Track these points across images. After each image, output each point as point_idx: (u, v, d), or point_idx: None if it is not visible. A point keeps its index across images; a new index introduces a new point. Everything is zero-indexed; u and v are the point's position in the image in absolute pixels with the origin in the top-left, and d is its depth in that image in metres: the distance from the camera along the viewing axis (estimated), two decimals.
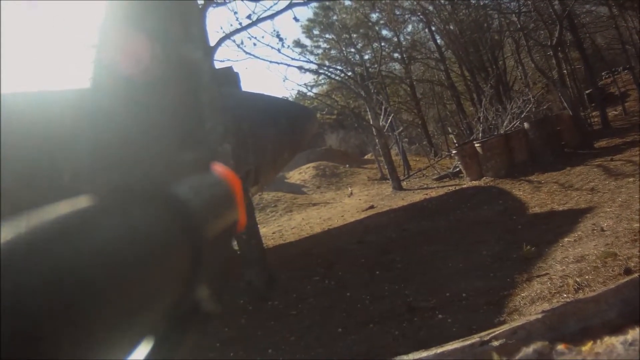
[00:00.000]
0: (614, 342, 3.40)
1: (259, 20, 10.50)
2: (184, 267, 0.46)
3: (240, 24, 11.22)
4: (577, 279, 5.34)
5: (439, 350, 4.16)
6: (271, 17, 10.65)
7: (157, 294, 0.42)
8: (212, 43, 9.34)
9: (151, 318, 0.42)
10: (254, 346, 5.97)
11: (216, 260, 0.52)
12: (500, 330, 4.24)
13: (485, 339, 4.20)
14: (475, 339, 4.22)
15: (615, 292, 4.12)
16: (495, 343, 4.13)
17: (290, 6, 10.35)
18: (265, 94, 14.04)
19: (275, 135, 10.32)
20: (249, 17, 10.27)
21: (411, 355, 4.16)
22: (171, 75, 0.51)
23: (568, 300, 4.88)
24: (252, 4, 12.27)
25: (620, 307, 4.06)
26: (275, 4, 16.51)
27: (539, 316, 4.23)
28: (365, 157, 24.70)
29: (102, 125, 0.46)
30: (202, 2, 8.88)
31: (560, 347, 3.57)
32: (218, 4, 9.95)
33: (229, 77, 9.62)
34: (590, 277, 5.32)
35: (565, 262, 6.04)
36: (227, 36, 10.34)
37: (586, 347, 3.52)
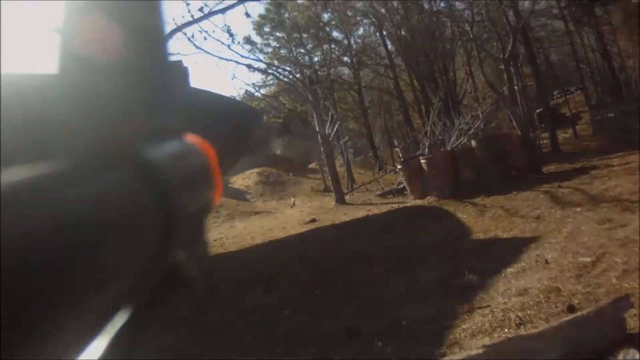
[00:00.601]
0: None
1: (211, 13, 10.16)
2: (158, 233, 0.45)
3: (192, 16, 10.89)
4: (519, 314, 5.22)
5: None
6: (223, 10, 10.34)
7: (129, 258, 0.41)
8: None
9: (125, 282, 0.41)
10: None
11: (191, 227, 0.52)
12: None
13: None
14: None
15: (558, 330, 4.17)
16: None
17: (242, 0, 10.03)
18: (212, 91, 13.68)
19: (221, 135, 9.89)
20: (200, 9, 9.89)
21: None
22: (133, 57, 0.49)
23: (509, 335, 4.78)
24: None
25: (563, 345, 4.00)
26: None
27: (480, 351, 4.06)
28: (310, 166, 24.48)
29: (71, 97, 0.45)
30: None
31: None
32: None
33: (179, 71, 9.27)
34: (533, 313, 5.19)
35: (507, 295, 5.91)
36: (179, 28, 9.97)
37: None
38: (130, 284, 0.43)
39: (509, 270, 6.75)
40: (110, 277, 0.39)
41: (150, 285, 0.48)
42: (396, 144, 19.20)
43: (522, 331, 4.80)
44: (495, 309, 5.54)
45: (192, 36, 12.61)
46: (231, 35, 16.43)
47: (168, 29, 9.27)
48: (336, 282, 8.02)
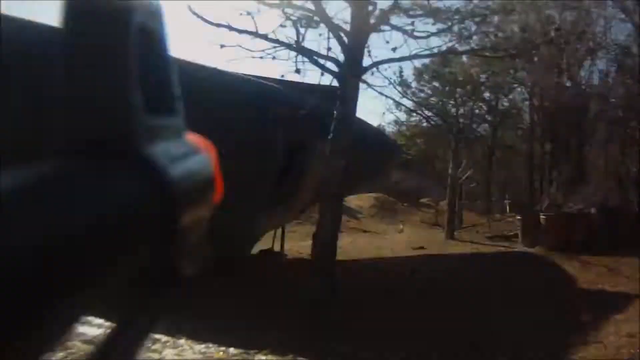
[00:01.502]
0: None
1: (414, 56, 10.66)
2: (157, 234, 0.44)
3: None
4: (631, 350, 5.74)
5: None
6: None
7: (127, 258, 0.40)
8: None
9: (121, 279, 0.40)
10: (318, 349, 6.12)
11: (192, 229, 0.49)
12: None
13: None
14: None
15: None
16: None
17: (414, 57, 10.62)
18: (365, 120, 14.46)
19: (364, 161, 10.70)
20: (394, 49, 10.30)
21: None
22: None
23: None
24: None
25: None
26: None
27: None
28: (422, 200, 24.96)
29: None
30: None
31: None
32: None
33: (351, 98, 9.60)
34: None
35: (617, 335, 6.30)
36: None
37: None
38: (128, 285, 0.42)
39: (616, 316, 7.08)
40: (109, 281, 0.38)
41: (149, 287, 0.47)
42: (507, 197, 19.48)
43: None
44: (608, 345, 5.97)
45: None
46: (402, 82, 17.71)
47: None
48: (450, 306, 8.14)
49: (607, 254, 11.50)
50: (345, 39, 9.12)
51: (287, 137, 9.48)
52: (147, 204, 0.42)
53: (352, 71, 9.06)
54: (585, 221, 13.25)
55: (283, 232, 12.45)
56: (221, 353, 5.67)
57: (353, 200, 21.38)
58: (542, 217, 13.56)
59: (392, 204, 22.90)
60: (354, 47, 9.11)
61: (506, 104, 24.15)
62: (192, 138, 0.54)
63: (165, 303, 0.48)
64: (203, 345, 5.73)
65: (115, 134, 0.41)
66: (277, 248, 12.27)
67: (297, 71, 9.80)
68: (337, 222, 9.23)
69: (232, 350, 5.72)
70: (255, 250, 11.49)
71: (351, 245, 14.64)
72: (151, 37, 0.46)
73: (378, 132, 17.75)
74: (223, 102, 8.39)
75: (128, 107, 0.42)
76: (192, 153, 0.52)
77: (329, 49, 9.38)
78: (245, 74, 10.28)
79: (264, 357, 5.64)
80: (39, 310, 0.29)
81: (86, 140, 0.41)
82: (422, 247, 14.48)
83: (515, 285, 9.43)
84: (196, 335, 5.82)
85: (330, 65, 9.21)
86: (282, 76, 10.34)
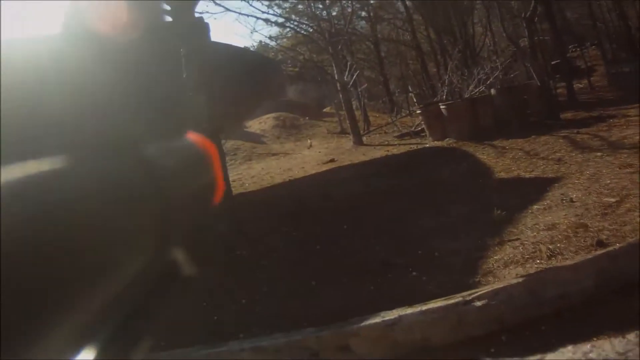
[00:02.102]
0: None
1: None
2: (153, 231, 0.44)
3: None
4: (550, 246, 5.45)
5: (423, 307, 4.18)
6: None
7: (124, 254, 0.40)
8: None
9: (120, 278, 0.40)
10: (227, 296, 5.88)
11: (189, 228, 0.50)
12: (483, 291, 4.30)
13: (468, 298, 4.24)
14: (457, 298, 4.25)
15: (592, 262, 4.49)
16: (478, 303, 4.17)
17: None
18: (232, 45, 14.03)
19: (241, 85, 10.44)
20: None
21: (395, 312, 4.15)
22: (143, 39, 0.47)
23: (541, 266, 5.06)
24: None
25: (596, 277, 4.31)
26: None
27: (520, 280, 4.40)
28: (325, 110, 24.70)
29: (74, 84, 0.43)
30: None
31: None
32: None
33: (200, 28, 9.44)
34: (562, 246, 5.40)
35: (536, 229, 6.11)
36: None
37: None
38: (126, 281, 0.42)
39: (534, 206, 6.92)
40: (106, 276, 0.38)
41: (147, 281, 0.47)
42: (411, 90, 19.43)
43: (554, 263, 5.02)
44: (526, 242, 5.77)
45: None
46: None
47: None
48: (364, 218, 8.09)
49: (520, 135, 11.54)
50: None
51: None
52: (143, 195, 0.42)
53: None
54: (488, 104, 13.20)
55: None
56: None
57: (254, 125, 21.38)
58: (442, 107, 13.38)
59: (293, 120, 22.55)
60: None
61: None
62: (193, 137, 0.56)
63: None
64: None
65: (120, 133, 0.44)
66: None
67: None
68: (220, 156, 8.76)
69: None
70: None
71: (264, 171, 14.60)
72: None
73: (245, 53, 17.02)
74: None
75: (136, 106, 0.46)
76: (190, 147, 0.55)
77: None
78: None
79: None
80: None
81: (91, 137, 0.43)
82: (332, 160, 14.29)
83: (427, 185, 9.42)
84: None
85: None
86: None
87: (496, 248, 5.86)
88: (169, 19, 8.82)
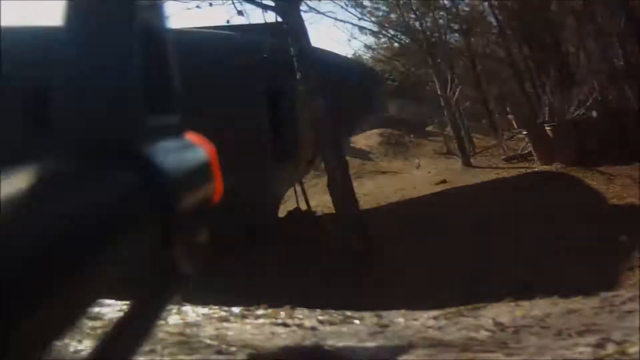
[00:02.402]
0: None
1: None
2: (152, 237, 0.43)
3: None
4: None
5: None
6: None
7: (121, 261, 0.40)
8: None
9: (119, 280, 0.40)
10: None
11: (189, 232, 0.50)
12: None
13: None
14: None
15: None
16: None
17: None
18: (337, 52, 14.11)
19: (347, 97, 10.49)
20: None
21: None
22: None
23: None
24: None
25: None
26: None
27: None
28: (427, 128, 24.58)
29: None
30: None
31: None
32: None
33: (302, 29, 9.12)
34: None
35: None
36: None
37: None
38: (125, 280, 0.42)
39: None
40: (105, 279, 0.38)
41: (148, 283, 0.47)
42: (509, 110, 19.62)
43: None
44: None
45: None
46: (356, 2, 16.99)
47: None
48: (489, 239, 8.29)
49: (622, 162, 11.80)
50: None
51: (263, 87, 9.24)
52: (141, 196, 0.42)
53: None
54: (592, 128, 13.59)
55: (303, 189, 12.33)
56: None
57: (360, 141, 21.21)
58: (547, 129, 13.81)
59: (398, 137, 22.67)
60: None
61: (467, 8, 23.59)
62: (190, 136, 0.55)
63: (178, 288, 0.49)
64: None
65: (117, 134, 0.43)
66: (303, 207, 12.10)
67: (240, 13, 9.57)
68: (344, 166, 8.95)
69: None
70: (283, 213, 11.64)
71: (377, 190, 14.91)
72: (153, 36, 0.48)
73: (352, 61, 17.05)
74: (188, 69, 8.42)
75: (131, 106, 0.44)
76: (188, 147, 0.54)
77: None
78: (191, 28, 9.96)
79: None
80: (45, 294, 0.30)
81: (88, 140, 0.42)
82: (444, 181, 14.69)
83: (546, 210, 9.55)
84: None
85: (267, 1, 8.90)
86: (228, 21, 10.13)
87: (628, 273, 6.29)
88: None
